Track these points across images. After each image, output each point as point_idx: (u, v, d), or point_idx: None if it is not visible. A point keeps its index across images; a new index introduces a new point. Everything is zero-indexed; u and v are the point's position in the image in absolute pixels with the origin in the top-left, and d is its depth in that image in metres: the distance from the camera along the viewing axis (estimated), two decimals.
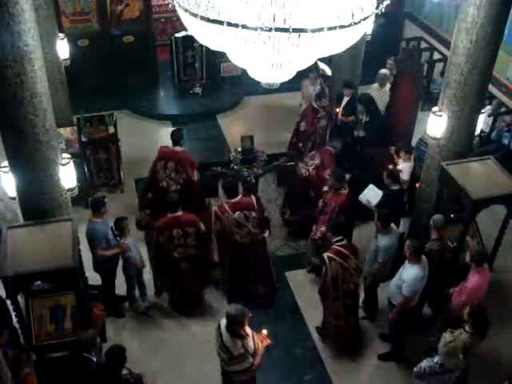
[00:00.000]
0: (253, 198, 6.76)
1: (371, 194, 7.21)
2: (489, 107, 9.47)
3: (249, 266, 6.92)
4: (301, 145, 8.79)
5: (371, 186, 7.32)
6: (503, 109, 9.85)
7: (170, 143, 7.56)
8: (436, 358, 5.11)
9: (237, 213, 6.53)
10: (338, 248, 6.13)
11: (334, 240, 6.24)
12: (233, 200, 6.63)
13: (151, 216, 7.50)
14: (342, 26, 3.06)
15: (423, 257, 5.93)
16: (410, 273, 5.82)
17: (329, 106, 8.86)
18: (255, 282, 7.01)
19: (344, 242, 6.17)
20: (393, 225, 6.44)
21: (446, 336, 5.02)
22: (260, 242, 6.92)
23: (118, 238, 6.48)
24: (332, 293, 6.21)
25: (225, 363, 5.24)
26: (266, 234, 7.13)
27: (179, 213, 6.49)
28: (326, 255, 6.14)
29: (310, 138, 8.69)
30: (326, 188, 7.34)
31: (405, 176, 7.62)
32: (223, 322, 5.15)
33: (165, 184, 7.46)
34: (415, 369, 5.27)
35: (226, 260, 6.93)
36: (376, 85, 9.26)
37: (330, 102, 9.13)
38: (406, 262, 5.92)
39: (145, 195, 7.79)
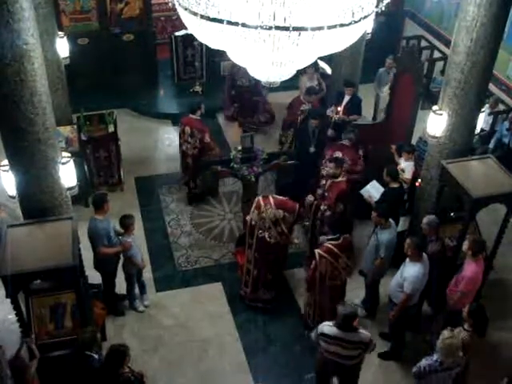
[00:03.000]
0: (297, 204, 6.70)
1: (373, 190, 7.25)
2: (488, 106, 9.44)
3: (268, 269, 6.83)
4: (281, 133, 9.38)
5: (374, 182, 7.36)
6: (503, 107, 9.82)
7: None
8: (435, 356, 5.12)
9: (279, 210, 6.49)
10: (331, 247, 6.11)
11: (329, 237, 6.23)
12: (279, 197, 6.64)
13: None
14: (342, 25, 3.06)
15: (424, 254, 5.94)
16: (411, 270, 5.83)
17: (321, 102, 8.99)
18: (264, 287, 6.94)
19: (339, 241, 6.12)
20: (390, 219, 6.46)
21: (445, 333, 5.04)
22: (284, 247, 6.88)
23: (120, 237, 6.49)
24: (318, 286, 6.23)
25: (357, 357, 5.31)
26: (297, 241, 7.19)
27: (196, 117, 7.95)
28: (317, 251, 6.15)
29: (289, 127, 8.98)
30: (323, 182, 7.30)
31: (407, 175, 7.61)
32: (328, 329, 5.20)
33: (240, 83, 9.67)
34: (414, 368, 5.27)
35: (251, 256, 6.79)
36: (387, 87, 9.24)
37: (322, 100, 9.19)
38: (407, 259, 5.92)
39: (229, 93, 10.15)
